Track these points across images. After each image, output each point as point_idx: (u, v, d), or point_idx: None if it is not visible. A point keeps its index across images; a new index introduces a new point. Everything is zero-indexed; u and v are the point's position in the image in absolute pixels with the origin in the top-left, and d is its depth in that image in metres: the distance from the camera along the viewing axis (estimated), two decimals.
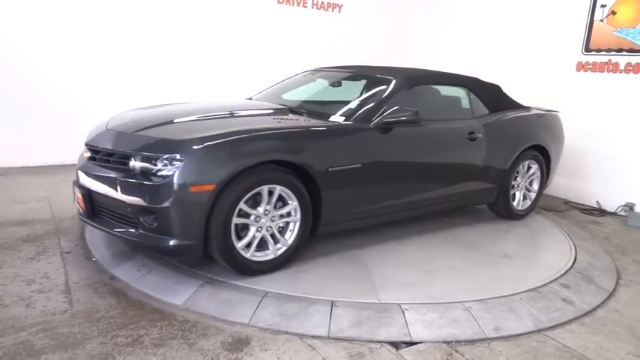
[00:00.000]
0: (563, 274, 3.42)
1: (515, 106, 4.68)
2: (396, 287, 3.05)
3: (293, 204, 3.08)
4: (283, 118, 3.64)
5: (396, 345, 2.54)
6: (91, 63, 5.68)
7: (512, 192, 4.47)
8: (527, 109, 4.75)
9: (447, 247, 3.81)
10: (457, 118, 4.21)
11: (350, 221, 3.48)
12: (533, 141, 4.45)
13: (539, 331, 2.77)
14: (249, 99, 4.46)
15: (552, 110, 4.92)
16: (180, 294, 2.86)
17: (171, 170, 2.72)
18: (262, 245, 3.07)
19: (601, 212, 5.32)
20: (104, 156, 3.10)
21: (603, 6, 5.37)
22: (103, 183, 2.98)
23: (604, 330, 2.84)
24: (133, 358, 2.27)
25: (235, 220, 2.85)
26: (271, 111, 3.87)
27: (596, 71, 5.46)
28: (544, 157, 4.62)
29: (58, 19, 5.41)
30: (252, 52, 6.59)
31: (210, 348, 2.40)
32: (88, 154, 3.24)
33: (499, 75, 5.32)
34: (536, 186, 4.69)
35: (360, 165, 3.32)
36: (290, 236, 3.14)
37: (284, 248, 3.12)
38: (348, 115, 3.51)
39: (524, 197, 4.63)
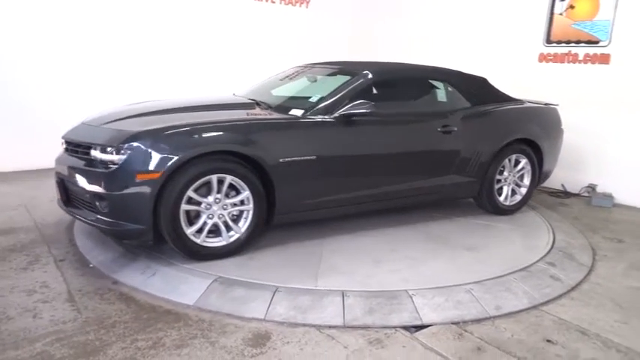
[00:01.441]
0: (547, 253, 3.64)
1: (504, 99, 4.61)
2: (337, 275, 3.08)
3: (245, 193, 3.22)
4: (244, 112, 3.76)
5: (409, 329, 2.65)
6: (65, 68, 5.50)
7: (497, 186, 4.40)
8: (518, 102, 4.69)
9: (413, 240, 3.79)
10: (431, 111, 4.21)
11: (307, 212, 3.55)
12: (519, 134, 4.36)
13: (534, 307, 2.96)
14: (233, 94, 4.46)
15: (550, 104, 4.84)
16: (189, 294, 2.86)
17: (121, 159, 2.95)
18: (218, 232, 3.22)
19: (566, 194, 5.66)
20: (74, 147, 3.36)
21: (562, 0, 5.68)
22: (70, 171, 3.27)
23: (592, 302, 3.07)
24: None
25: (184, 206, 3.03)
26: (237, 105, 4.01)
27: (557, 62, 5.78)
28: (535, 151, 4.52)
29: (32, 23, 5.18)
30: (223, 47, 6.53)
31: (233, 345, 2.43)
32: (64, 146, 3.51)
33: (465, 67, 5.51)
34: (527, 181, 4.56)
35: (315, 157, 3.40)
36: (243, 224, 3.27)
37: (236, 236, 3.26)
38: (307, 109, 3.57)
39: (514, 192, 4.53)
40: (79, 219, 3.29)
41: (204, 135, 3.12)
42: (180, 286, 2.92)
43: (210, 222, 3.16)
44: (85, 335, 2.44)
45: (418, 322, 2.70)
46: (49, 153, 5.26)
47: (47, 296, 2.80)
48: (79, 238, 3.63)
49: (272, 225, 3.46)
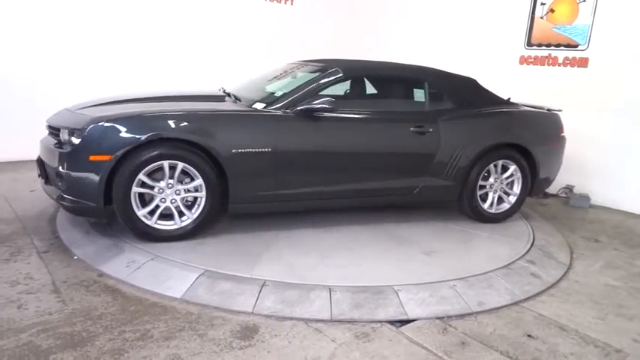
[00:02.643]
0: (527, 252, 3.74)
1: (496, 102, 4.46)
2: (275, 265, 3.13)
3: (198, 181, 3.33)
4: (208, 104, 3.89)
5: (394, 323, 2.70)
6: (46, 59, 5.40)
7: (481, 192, 4.20)
8: (512, 105, 4.53)
9: (375, 239, 3.72)
10: (403, 110, 4.16)
11: (263, 203, 3.60)
12: (504, 139, 4.16)
13: (516, 303, 3.04)
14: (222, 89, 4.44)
15: (552, 109, 4.61)
16: (176, 287, 2.85)
17: (78, 141, 3.16)
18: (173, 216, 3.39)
19: (545, 195, 5.80)
20: (51, 129, 3.54)
21: (543, 4, 5.81)
22: (45, 151, 3.50)
23: (570, 299, 3.17)
24: (146, 352, 2.27)
25: (135, 189, 3.20)
26: (207, 98, 4.14)
27: (537, 64, 5.91)
28: (527, 158, 4.28)
29: (12, 16, 5.06)
30: (203, 43, 6.47)
31: (222, 337, 2.44)
32: (47, 130, 3.64)
33: (449, 67, 5.59)
34: (517, 189, 4.31)
35: (270, 149, 3.45)
36: (196, 210, 3.38)
37: (189, 221, 3.39)
38: (269, 103, 3.65)
39: (501, 200, 4.32)
40: (50, 196, 3.48)
41: (154, 123, 3.24)
42: (167, 279, 2.92)
43: (162, 205, 3.31)
44: (72, 326, 2.42)
45: (404, 317, 2.75)
46: (27, 145, 5.20)
47: (32, 287, 2.77)
48: (62, 229, 3.58)
49: (228, 214, 3.58)
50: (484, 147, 4.08)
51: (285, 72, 4.37)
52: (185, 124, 3.28)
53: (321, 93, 3.75)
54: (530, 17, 5.95)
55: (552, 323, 2.84)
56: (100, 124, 3.17)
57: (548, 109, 4.61)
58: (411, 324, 2.71)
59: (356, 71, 4.14)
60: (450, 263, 3.40)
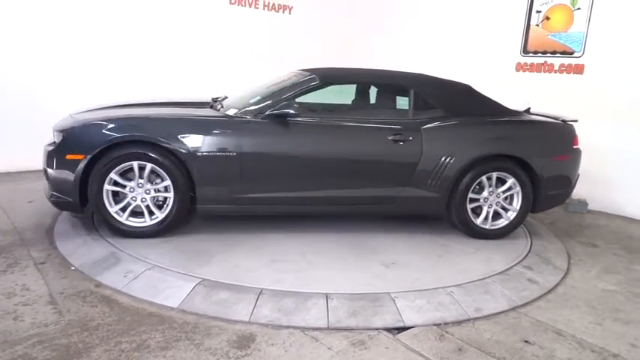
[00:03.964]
0: (524, 257, 3.74)
1: (498, 110, 4.21)
2: (218, 266, 3.19)
3: (166, 181, 3.51)
4: (186, 109, 3.99)
5: (391, 331, 2.70)
6: (45, 69, 5.43)
7: (473, 205, 3.96)
8: (514, 114, 4.27)
9: (337, 249, 3.65)
10: (383, 118, 4.00)
11: (231, 206, 3.68)
12: (496, 150, 3.91)
13: (513, 309, 3.04)
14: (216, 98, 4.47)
15: (567, 120, 4.28)
16: (173, 297, 2.86)
17: (59, 141, 3.48)
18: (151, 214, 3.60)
19: None
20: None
21: (538, 12, 5.86)
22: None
23: (567, 304, 3.17)
24: None
25: (107, 187, 3.45)
26: (191, 104, 4.24)
27: (533, 71, 5.94)
28: (530, 171, 3.97)
29: (12, 25, 5.12)
30: (204, 52, 6.53)
31: (218, 347, 2.44)
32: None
33: (447, 75, 5.63)
34: (516, 204, 4.01)
35: (235, 153, 3.53)
36: (165, 210, 3.57)
37: (157, 219, 3.58)
38: (241, 108, 3.76)
39: (498, 215, 4.04)
40: (46, 196, 3.71)
41: (124, 126, 3.48)
42: (164, 289, 2.92)
43: (133, 204, 3.53)
44: (68, 338, 2.42)
45: (400, 324, 2.75)
46: (26, 156, 5.25)
47: (28, 299, 2.77)
48: (59, 240, 3.59)
49: (198, 213, 3.72)
50: (472, 158, 3.84)
51: (279, 81, 4.39)
52: (153, 127, 3.49)
53: (299, 100, 3.81)
54: (525, 25, 6.00)
55: (549, 329, 2.83)
56: (77, 126, 3.51)
57: (563, 120, 4.27)
58: (408, 331, 2.71)
59: (333, 78, 4.06)
60: (406, 276, 3.25)
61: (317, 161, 3.73)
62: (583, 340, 2.73)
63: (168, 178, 3.49)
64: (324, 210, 3.93)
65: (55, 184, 3.50)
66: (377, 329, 2.69)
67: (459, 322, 2.83)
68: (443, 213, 4.02)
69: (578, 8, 5.54)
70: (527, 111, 4.49)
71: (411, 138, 3.80)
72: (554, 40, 5.75)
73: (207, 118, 3.70)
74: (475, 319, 2.88)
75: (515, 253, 3.80)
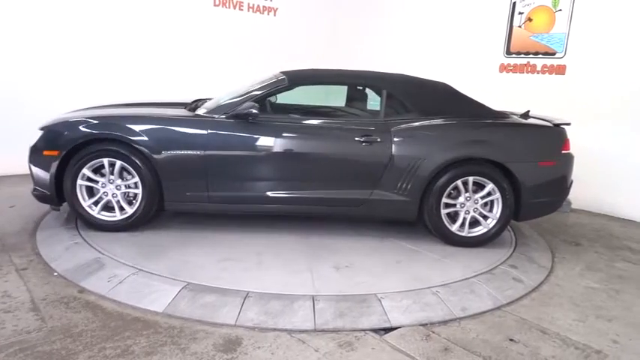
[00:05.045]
0: (509, 257, 3.77)
1: (478, 111, 4.04)
2: (169, 261, 3.27)
3: (135, 178, 3.65)
4: (157, 110, 4.03)
5: (378, 331, 2.70)
6: (20, 71, 5.34)
7: (448, 211, 3.79)
8: (500, 115, 4.08)
9: (295, 250, 3.62)
10: (352, 119, 4.03)
11: (196, 203, 3.77)
12: (471, 153, 3.73)
13: (498, 308, 3.07)
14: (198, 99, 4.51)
15: (560, 123, 4.05)
16: (158, 301, 2.83)
17: (38, 138, 3.68)
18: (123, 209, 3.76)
19: None
20: None
21: (521, 13, 5.93)
22: None
23: (551, 302, 3.21)
24: None
25: (80, 182, 3.64)
26: (168, 105, 4.29)
27: (516, 72, 6.01)
28: (511, 177, 3.76)
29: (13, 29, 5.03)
30: (189, 54, 6.49)
31: (204, 351, 2.42)
32: None
33: (431, 76, 5.67)
34: (497, 211, 3.82)
35: (200, 152, 3.62)
36: (134, 205, 3.70)
37: (127, 214, 3.71)
38: (208, 109, 3.86)
39: (476, 222, 3.86)
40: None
41: (93, 125, 3.63)
42: (149, 293, 2.89)
43: (105, 199, 3.70)
44: (51, 345, 2.38)
45: (387, 325, 2.76)
46: (5, 160, 5.18)
47: (9, 306, 2.72)
48: (42, 246, 3.54)
49: (166, 210, 3.84)
50: (445, 161, 3.68)
51: (257, 82, 4.42)
52: (120, 126, 3.62)
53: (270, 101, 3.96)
54: (508, 26, 6.06)
55: (534, 327, 2.86)
56: (53, 124, 3.71)
57: (555, 124, 4.04)
58: (395, 331, 2.71)
59: (301, 79, 4.04)
60: (358, 279, 3.19)
61: (282, 162, 3.77)
62: (567, 338, 2.76)
63: (136, 174, 3.62)
64: (291, 210, 3.88)
65: (36, 179, 3.71)
66: (364, 330, 2.70)
67: (445, 322, 2.85)
68: (414, 218, 3.86)
69: (560, 9, 5.62)
70: (527, 114, 4.36)
71: (379, 139, 3.70)
72: (536, 41, 5.83)
73: (173, 117, 3.76)
74: (461, 318, 2.90)
75: (480, 264, 3.56)
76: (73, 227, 3.80)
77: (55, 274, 3.15)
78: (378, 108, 3.99)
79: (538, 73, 5.83)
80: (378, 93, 4.02)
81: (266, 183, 3.76)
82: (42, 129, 3.70)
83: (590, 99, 5.45)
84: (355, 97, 4.44)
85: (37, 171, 3.68)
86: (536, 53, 5.83)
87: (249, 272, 3.22)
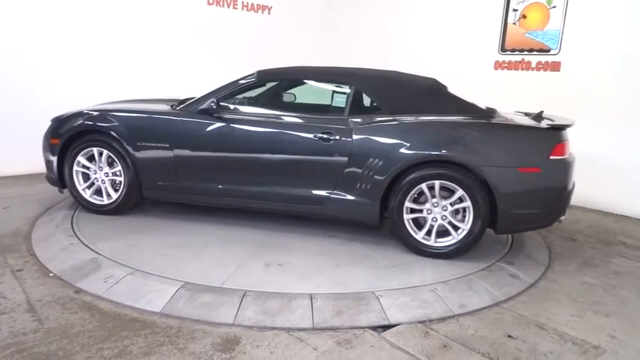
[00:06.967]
0: (507, 253, 3.78)
1: (462, 108, 3.70)
2: (120, 247, 3.47)
3: (118, 167, 4.02)
4: (144, 105, 4.29)
5: (376, 329, 2.70)
6: (18, 74, 5.30)
7: (412, 216, 3.54)
8: (487, 114, 3.70)
9: (247, 245, 3.62)
10: (313, 116, 3.82)
11: (169, 192, 4.04)
12: (436, 154, 3.40)
13: (496, 304, 3.07)
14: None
15: (557, 125, 3.55)
16: (155, 301, 2.82)
17: (47, 128, 4.19)
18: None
19: None
20: None
21: (515, 10, 5.94)
22: None
23: (548, 298, 3.21)
24: None
25: (76, 168, 4.11)
26: (161, 101, 4.45)
27: (511, 69, 6.02)
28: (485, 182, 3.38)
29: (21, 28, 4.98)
30: (182, 53, 6.47)
31: (202, 350, 2.41)
32: None
33: (425, 74, 5.68)
34: (470, 220, 3.42)
35: (168, 145, 3.89)
36: (118, 192, 4.09)
37: (112, 199, 4.11)
38: (185, 105, 4.07)
39: (447, 232, 3.52)
40: None
41: (85, 117, 4.04)
42: (146, 293, 2.88)
43: (96, 184, 4.13)
44: (47, 346, 2.37)
45: (385, 322, 2.75)
46: (2, 162, 5.15)
47: (5, 307, 2.70)
48: (37, 247, 3.51)
49: (145, 198, 4.15)
50: (407, 161, 3.43)
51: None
52: (105, 119, 3.99)
53: (242, 95, 4.06)
54: (503, 23, 6.06)
55: (532, 323, 2.87)
56: (58, 117, 4.16)
57: (552, 125, 3.55)
58: (393, 329, 2.71)
59: (269, 76, 4.17)
60: (280, 278, 3.13)
61: (245, 156, 3.82)
62: (565, 333, 2.77)
63: (119, 163, 3.99)
64: (251, 205, 3.92)
65: (46, 163, 4.21)
66: (362, 328, 2.69)
67: (443, 319, 2.85)
68: (377, 222, 3.66)
69: (554, 6, 5.62)
70: (540, 115, 3.96)
71: (338, 137, 3.57)
72: (530, 38, 5.84)
73: (150, 111, 4.05)
74: (459, 315, 2.90)
75: (435, 277, 3.25)
76: (68, 228, 3.78)
77: (51, 274, 3.13)
78: (342, 105, 3.83)
79: (533, 70, 5.84)
80: (345, 90, 3.90)
81: (228, 176, 3.88)
82: (51, 120, 4.16)
83: (584, 94, 5.46)
84: (324, 94, 4.38)
85: (47, 156, 4.17)
86: (530, 50, 5.84)
87: (184, 260, 3.30)
